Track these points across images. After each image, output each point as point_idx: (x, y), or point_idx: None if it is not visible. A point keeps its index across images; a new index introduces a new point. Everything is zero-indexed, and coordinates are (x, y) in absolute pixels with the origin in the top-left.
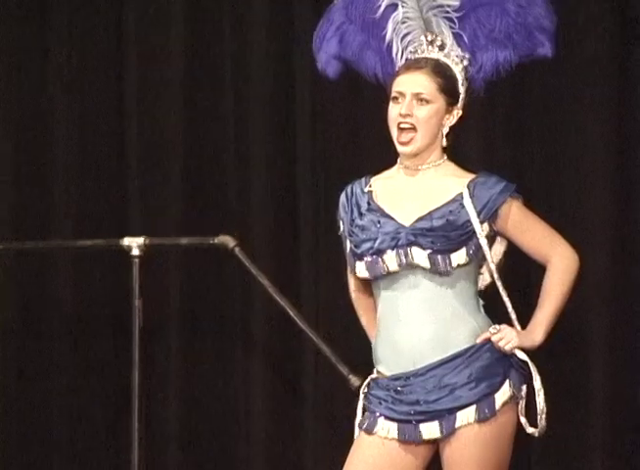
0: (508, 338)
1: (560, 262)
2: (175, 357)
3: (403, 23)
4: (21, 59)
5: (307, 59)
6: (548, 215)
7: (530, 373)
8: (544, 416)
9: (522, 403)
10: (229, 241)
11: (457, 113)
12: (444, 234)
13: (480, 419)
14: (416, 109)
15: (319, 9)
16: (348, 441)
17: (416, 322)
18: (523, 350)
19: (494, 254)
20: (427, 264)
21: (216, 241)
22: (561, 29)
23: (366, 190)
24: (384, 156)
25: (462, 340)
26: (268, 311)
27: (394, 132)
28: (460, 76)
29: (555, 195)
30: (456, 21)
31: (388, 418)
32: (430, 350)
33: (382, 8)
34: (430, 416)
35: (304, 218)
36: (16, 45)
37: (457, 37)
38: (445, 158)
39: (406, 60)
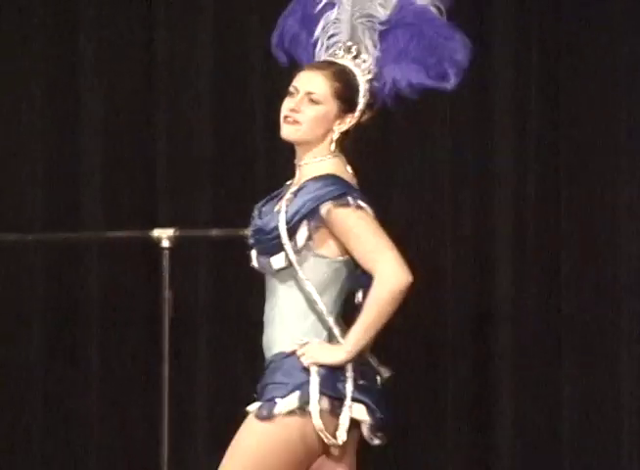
0: (309, 355)
1: (376, 284)
2: (205, 351)
3: (334, 23)
4: (51, 44)
5: None
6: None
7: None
8: (344, 430)
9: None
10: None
11: (350, 120)
12: (258, 237)
13: (258, 416)
14: (306, 106)
15: None
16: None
17: (264, 319)
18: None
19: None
20: (256, 265)
21: (247, 232)
22: None
23: (288, 183)
24: None
25: (279, 344)
26: None
27: (282, 119)
28: (363, 87)
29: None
30: (376, 32)
31: None
32: (265, 348)
33: (321, 5)
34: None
35: None
36: (46, 31)
37: (377, 47)
38: (328, 158)
39: (318, 57)
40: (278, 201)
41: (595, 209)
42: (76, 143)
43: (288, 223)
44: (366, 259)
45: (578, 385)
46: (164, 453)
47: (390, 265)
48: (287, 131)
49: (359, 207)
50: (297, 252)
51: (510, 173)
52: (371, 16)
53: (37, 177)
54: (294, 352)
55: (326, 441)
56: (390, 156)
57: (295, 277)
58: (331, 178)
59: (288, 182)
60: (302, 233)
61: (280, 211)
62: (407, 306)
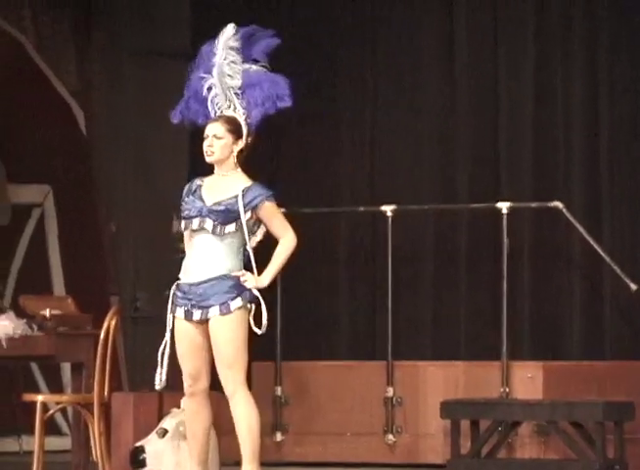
0: (249, 281)
1: (283, 241)
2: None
3: (215, 97)
4: None
5: None
6: None
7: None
8: (265, 324)
9: (251, 312)
10: (559, 204)
11: (241, 143)
12: (223, 215)
13: (221, 313)
14: (215, 142)
15: None
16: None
17: (199, 257)
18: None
19: (259, 232)
20: (210, 229)
21: (550, 205)
22: None
23: (198, 183)
24: None
25: (219, 270)
26: (582, 253)
27: (205, 154)
28: (243, 123)
29: None
30: (240, 94)
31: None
32: (201, 273)
33: (205, 91)
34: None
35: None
36: None
37: (242, 102)
38: (238, 170)
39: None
40: (201, 193)
41: None
42: None
43: (244, 208)
44: (278, 230)
45: None
46: None
47: (291, 233)
48: (208, 159)
49: (273, 201)
50: (245, 223)
51: None
52: (232, 86)
53: None
54: (236, 277)
55: (254, 328)
56: None
57: (233, 236)
58: (259, 186)
59: (199, 181)
60: (248, 214)
61: (238, 201)
62: None
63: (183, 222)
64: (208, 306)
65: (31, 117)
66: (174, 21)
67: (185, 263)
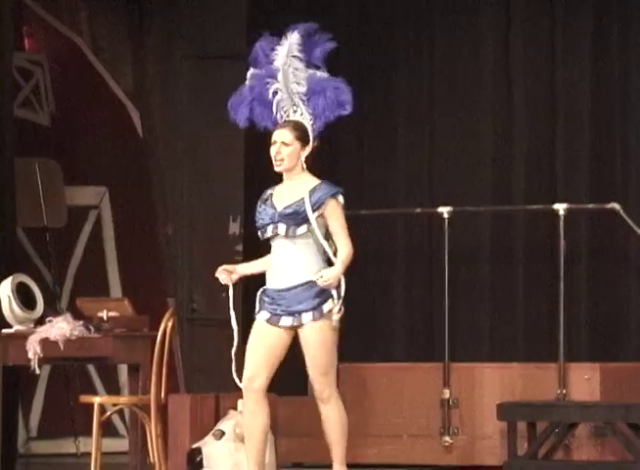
0: (327, 277)
1: (341, 250)
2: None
3: (281, 100)
4: None
5: None
6: None
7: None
8: (341, 311)
9: (339, 312)
10: (616, 206)
11: (309, 148)
12: (292, 217)
13: (314, 319)
14: (283, 149)
15: None
16: None
17: (282, 263)
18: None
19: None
20: (283, 233)
21: (607, 206)
22: None
23: (270, 192)
24: None
25: (304, 276)
26: (639, 254)
27: (273, 161)
28: (310, 129)
29: None
30: (305, 100)
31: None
32: (288, 279)
33: (270, 95)
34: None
35: None
36: None
37: (308, 107)
38: (305, 173)
39: (281, 120)
40: (273, 201)
41: None
42: None
43: (312, 207)
44: (336, 236)
45: None
46: None
47: (348, 243)
48: (278, 168)
49: (340, 202)
50: (315, 222)
51: None
52: (297, 92)
53: None
54: (315, 282)
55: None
56: None
57: (307, 237)
58: (326, 183)
59: (270, 190)
60: (317, 213)
61: (305, 202)
62: None
63: (259, 232)
64: (300, 312)
65: (88, 118)
66: (230, 22)
67: (269, 270)
